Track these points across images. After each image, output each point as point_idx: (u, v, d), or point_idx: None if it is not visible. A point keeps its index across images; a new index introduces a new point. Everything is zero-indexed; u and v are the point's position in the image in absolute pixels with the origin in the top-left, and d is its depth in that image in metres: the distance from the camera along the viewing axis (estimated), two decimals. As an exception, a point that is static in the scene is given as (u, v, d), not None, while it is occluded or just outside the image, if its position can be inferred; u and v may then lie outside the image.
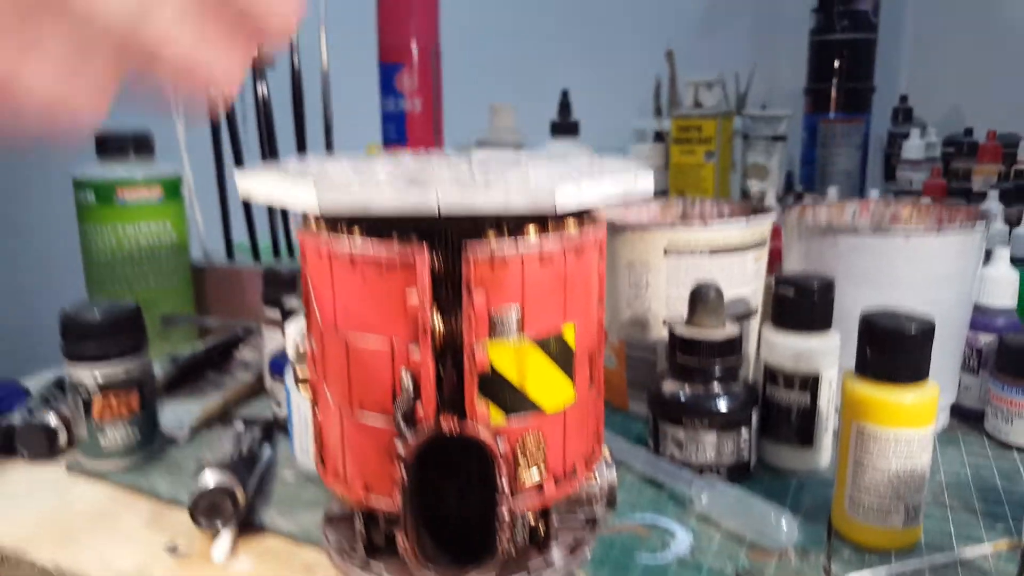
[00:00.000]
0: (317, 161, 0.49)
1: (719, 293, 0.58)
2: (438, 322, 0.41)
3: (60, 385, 0.70)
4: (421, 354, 0.41)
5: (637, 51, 1.54)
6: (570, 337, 0.44)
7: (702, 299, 0.58)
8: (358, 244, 0.41)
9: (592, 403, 0.48)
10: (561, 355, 0.44)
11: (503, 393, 0.42)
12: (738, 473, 0.58)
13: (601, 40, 1.72)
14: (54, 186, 0.93)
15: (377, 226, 0.42)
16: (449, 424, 0.41)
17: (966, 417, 0.68)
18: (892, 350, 0.48)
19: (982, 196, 1.13)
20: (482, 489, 0.45)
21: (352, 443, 0.45)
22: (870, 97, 1.40)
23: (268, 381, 0.69)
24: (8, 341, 1.07)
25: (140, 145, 0.80)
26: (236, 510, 0.51)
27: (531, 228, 0.42)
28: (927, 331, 0.48)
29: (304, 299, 0.48)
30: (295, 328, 0.57)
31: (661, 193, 1.25)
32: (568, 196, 0.39)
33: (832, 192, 1.22)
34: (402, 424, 0.42)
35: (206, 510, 0.51)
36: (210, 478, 0.52)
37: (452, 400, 0.42)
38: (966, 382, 0.67)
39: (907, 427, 0.48)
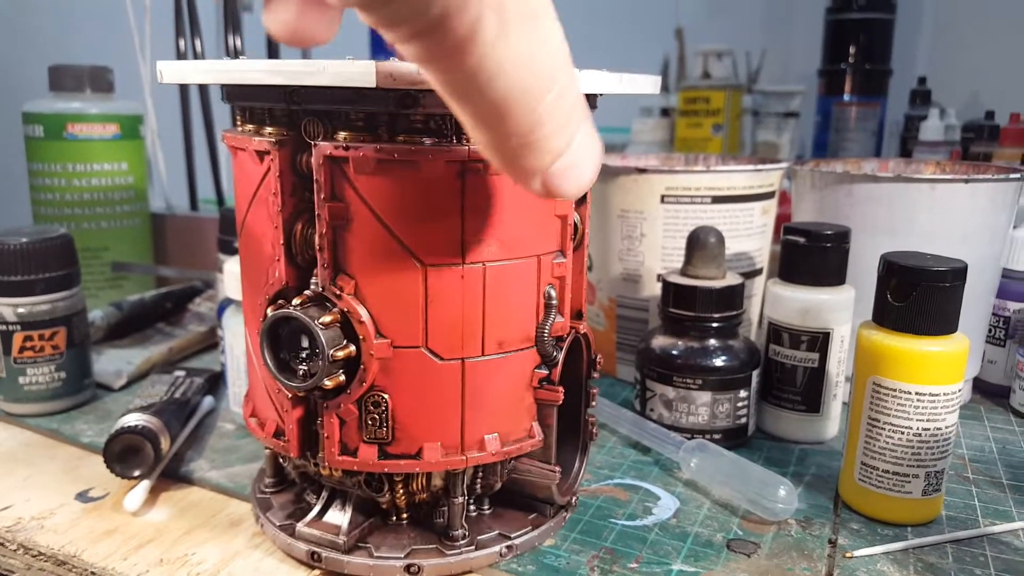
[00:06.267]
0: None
1: (720, 238, 0.52)
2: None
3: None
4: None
5: (645, 26, 1.48)
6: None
7: (700, 244, 0.52)
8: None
9: None
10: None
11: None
12: (733, 440, 0.51)
13: (607, 12, 1.66)
14: (3, 123, 0.86)
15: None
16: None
17: (990, 394, 0.61)
18: (918, 296, 0.41)
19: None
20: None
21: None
22: (887, 80, 1.34)
23: (219, 331, 0.63)
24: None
25: (97, 80, 0.74)
26: (157, 457, 0.45)
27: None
28: (958, 273, 0.41)
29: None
30: (234, 263, 0.50)
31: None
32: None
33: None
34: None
35: (121, 454, 0.44)
36: (130, 419, 0.45)
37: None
38: (991, 355, 0.61)
39: (931, 383, 0.41)
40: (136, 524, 0.42)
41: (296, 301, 0.33)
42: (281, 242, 0.33)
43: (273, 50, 0.84)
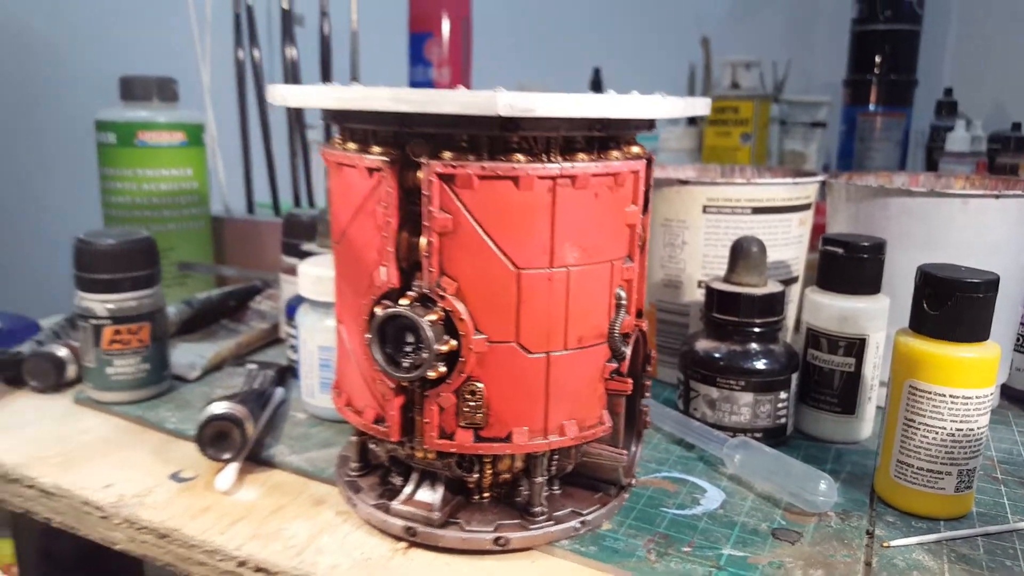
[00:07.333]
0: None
1: (762, 248, 0.55)
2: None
3: (72, 321, 0.68)
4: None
5: (670, 36, 1.51)
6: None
7: (744, 253, 0.55)
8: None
9: None
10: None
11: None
12: (773, 439, 0.54)
13: (634, 23, 1.69)
14: (76, 130, 0.91)
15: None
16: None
17: (1018, 400, 0.64)
18: (953, 305, 0.44)
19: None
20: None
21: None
22: (912, 91, 1.36)
23: (284, 327, 0.67)
24: (29, 284, 1.06)
25: (164, 90, 0.78)
26: (244, 441, 0.49)
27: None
28: (991, 285, 0.44)
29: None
30: (308, 265, 0.54)
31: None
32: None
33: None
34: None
35: (212, 439, 0.48)
36: (218, 407, 0.49)
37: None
38: (1019, 363, 0.64)
39: (965, 387, 0.44)
40: (228, 502, 0.46)
41: (404, 301, 0.36)
42: (390, 249, 0.37)
43: (326, 63, 0.88)
